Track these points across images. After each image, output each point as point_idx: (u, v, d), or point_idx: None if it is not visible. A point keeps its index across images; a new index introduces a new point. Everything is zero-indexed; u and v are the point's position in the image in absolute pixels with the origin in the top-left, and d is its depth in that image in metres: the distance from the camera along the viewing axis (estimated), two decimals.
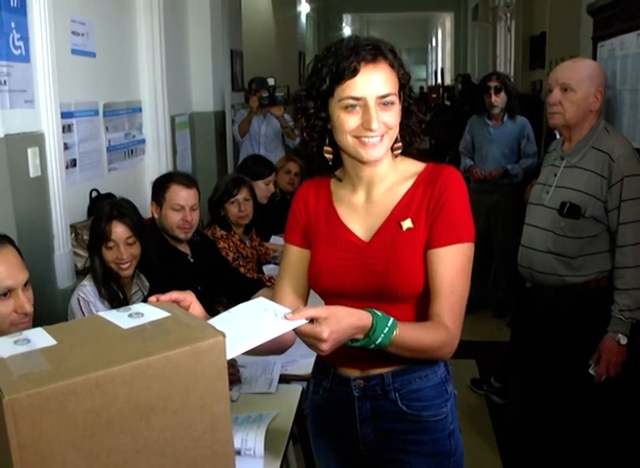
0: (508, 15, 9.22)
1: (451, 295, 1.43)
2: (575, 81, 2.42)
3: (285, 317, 1.21)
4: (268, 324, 1.20)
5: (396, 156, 1.54)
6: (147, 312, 1.11)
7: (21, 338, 1.00)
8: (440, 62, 21.37)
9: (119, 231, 2.39)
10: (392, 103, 1.44)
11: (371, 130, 1.42)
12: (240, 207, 3.32)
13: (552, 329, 2.57)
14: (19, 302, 1.66)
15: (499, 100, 4.61)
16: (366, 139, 1.44)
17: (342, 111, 1.44)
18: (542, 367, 2.68)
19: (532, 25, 7.72)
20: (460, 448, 1.62)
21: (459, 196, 1.48)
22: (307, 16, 14.13)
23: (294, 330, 1.22)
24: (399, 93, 1.48)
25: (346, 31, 18.71)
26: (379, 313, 1.31)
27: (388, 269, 1.46)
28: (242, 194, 3.35)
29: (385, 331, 1.30)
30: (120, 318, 1.08)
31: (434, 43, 23.36)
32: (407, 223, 1.48)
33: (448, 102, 13.06)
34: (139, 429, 0.94)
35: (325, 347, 1.23)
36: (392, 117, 1.45)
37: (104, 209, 2.44)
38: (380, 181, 1.53)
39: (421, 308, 1.48)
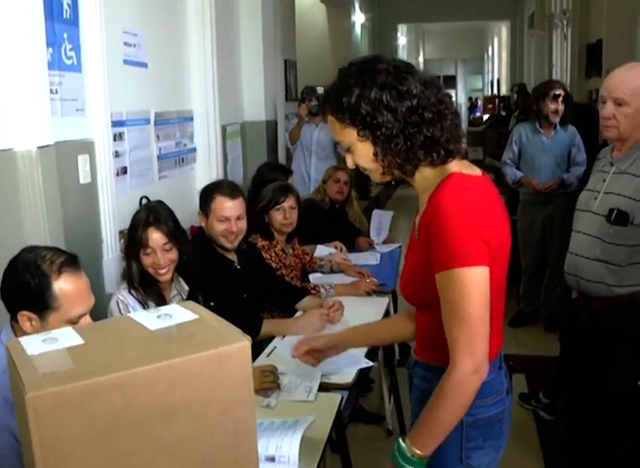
0: (564, 22, 9.05)
1: (458, 326, 1.39)
2: (628, 94, 2.32)
3: None
4: None
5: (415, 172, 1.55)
6: (176, 314, 1.11)
7: (50, 337, 1.02)
8: (496, 72, 21.12)
9: (155, 238, 2.42)
10: (348, 148, 1.52)
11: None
12: (285, 214, 3.33)
13: (597, 342, 2.49)
14: None
15: (562, 109, 4.50)
16: None
17: None
18: (588, 382, 2.59)
19: (588, 33, 7.56)
20: None
21: (443, 216, 1.40)
22: (362, 26, 14.18)
23: None
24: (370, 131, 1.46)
25: (401, 41, 18.67)
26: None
27: (403, 274, 1.61)
28: (289, 202, 3.36)
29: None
30: (149, 319, 1.09)
31: (490, 52, 23.11)
32: (417, 234, 1.55)
33: (503, 113, 12.90)
34: (159, 432, 0.94)
35: None
36: (355, 160, 1.54)
37: (141, 215, 2.48)
38: (420, 190, 1.57)
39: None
